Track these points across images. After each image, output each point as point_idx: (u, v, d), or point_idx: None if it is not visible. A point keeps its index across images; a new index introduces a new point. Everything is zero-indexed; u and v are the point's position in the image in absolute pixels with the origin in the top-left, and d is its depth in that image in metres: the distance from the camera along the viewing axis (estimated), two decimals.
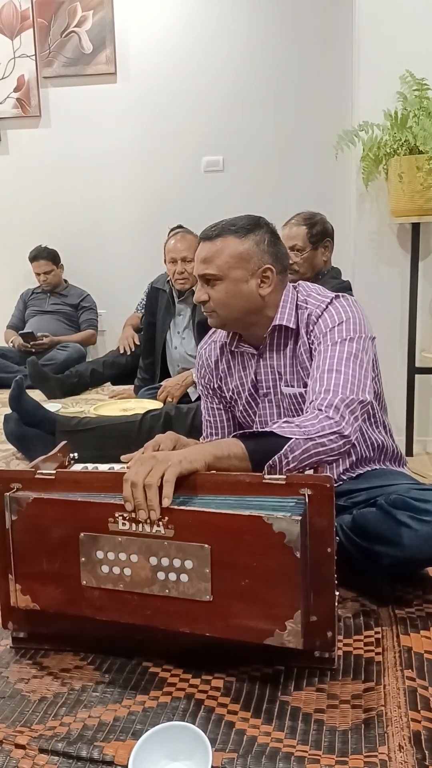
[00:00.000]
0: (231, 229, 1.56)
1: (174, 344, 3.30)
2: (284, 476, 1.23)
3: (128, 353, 3.74)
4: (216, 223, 1.60)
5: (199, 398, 3.00)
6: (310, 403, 1.45)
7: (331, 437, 1.36)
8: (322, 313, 1.56)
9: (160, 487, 1.21)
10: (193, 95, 4.03)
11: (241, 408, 1.74)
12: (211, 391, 1.79)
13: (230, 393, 1.74)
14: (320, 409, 1.39)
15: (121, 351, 3.80)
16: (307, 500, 1.19)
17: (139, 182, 4.21)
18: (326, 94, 3.82)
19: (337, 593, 1.23)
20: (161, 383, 3.16)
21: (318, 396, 1.43)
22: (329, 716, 1.15)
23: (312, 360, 1.55)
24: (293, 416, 1.59)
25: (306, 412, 1.44)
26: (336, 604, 1.23)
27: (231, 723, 1.14)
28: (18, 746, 1.10)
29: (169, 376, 3.26)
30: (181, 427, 2.49)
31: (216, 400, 1.79)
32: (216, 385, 1.77)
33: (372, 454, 1.69)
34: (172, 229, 3.77)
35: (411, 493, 1.45)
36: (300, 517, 1.14)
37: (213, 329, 1.76)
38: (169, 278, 3.26)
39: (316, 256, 2.72)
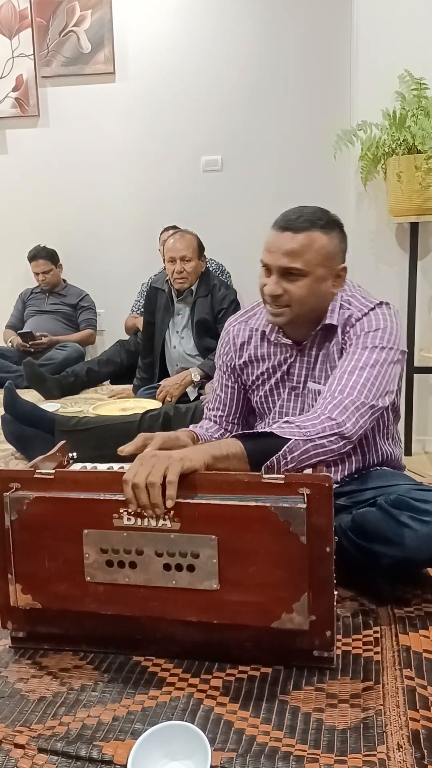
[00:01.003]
0: (318, 223, 1.50)
1: (173, 343, 3.30)
2: (283, 476, 1.24)
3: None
4: (296, 213, 1.51)
5: (197, 398, 3.01)
6: (322, 400, 1.44)
7: (331, 438, 1.36)
8: (362, 317, 1.53)
9: (163, 486, 1.21)
10: (192, 95, 4.03)
11: (261, 395, 1.71)
12: (228, 369, 1.76)
13: (253, 378, 1.71)
14: (326, 408, 1.40)
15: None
16: (305, 499, 1.19)
17: (138, 182, 4.21)
18: (325, 94, 3.82)
19: (335, 592, 1.24)
20: (160, 383, 3.17)
21: (331, 395, 1.43)
22: (328, 715, 1.15)
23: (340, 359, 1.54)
24: None
25: (313, 409, 1.43)
26: (335, 603, 1.23)
27: (230, 722, 1.14)
28: (17, 746, 1.10)
29: (168, 376, 3.26)
30: (180, 426, 2.48)
31: (232, 378, 1.76)
32: (236, 365, 1.73)
33: (376, 461, 1.69)
34: (165, 229, 3.78)
35: (411, 493, 1.45)
36: (305, 505, 1.17)
37: (251, 307, 1.72)
38: (168, 278, 3.26)
39: None
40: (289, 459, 1.33)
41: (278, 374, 1.66)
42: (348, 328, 1.54)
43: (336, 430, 1.37)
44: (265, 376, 1.69)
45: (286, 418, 1.44)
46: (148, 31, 4.01)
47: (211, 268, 3.86)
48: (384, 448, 1.68)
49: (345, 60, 3.42)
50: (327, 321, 1.56)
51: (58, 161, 4.25)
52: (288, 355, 1.65)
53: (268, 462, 1.32)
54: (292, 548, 1.18)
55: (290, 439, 1.33)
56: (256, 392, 1.73)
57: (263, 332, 1.68)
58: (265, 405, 1.72)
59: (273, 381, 1.68)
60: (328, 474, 1.23)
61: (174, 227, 3.72)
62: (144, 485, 1.20)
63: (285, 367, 1.65)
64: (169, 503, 1.20)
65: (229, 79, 3.98)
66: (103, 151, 4.20)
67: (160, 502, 1.20)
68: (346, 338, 1.54)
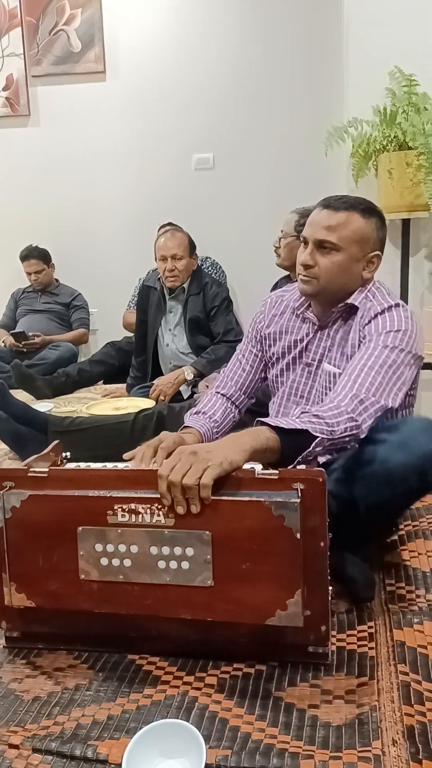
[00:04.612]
0: (359, 207, 1.59)
1: (166, 341, 3.29)
2: (277, 471, 1.24)
3: None
4: (340, 197, 1.62)
5: (191, 396, 3.01)
6: (342, 390, 1.44)
7: (347, 439, 1.37)
8: (383, 312, 1.55)
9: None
10: (183, 93, 4.02)
11: (278, 369, 1.76)
12: (257, 336, 1.82)
13: (274, 349, 1.77)
14: (350, 404, 1.39)
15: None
16: (299, 494, 1.19)
17: (130, 180, 4.20)
18: (316, 91, 3.82)
19: (330, 588, 1.24)
20: (153, 381, 3.16)
21: (348, 389, 1.43)
22: (323, 711, 1.15)
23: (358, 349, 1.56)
24: (324, 392, 1.63)
25: (332, 399, 1.42)
26: (329, 598, 1.23)
27: (225, 720, 1.14)
28: (11, 746, 1.10)
29: (161, 374, 3.26)
30: (174, 426, 2.46)
31: (258, 347, 1.82)
32: (263, 333, 1.79)
33: None
34: (162, 226, 3.77)
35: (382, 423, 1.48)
36: (299, 500, 1.16)
37: (293, 286, 1.78)
38: (159, 276, 3.26)
39: (298, 246, 2.73)
40: (310, 454, 1.33)
41: (296, 350, 1.72)
42: (368, 321, 1.57)
43: (355, 431, 1.37)
44: (285, 350, 1.74)
45: (314, 411, 1.39)
46: (138, 29, 4.00)
47: (207, 266, 3.86)
48: None
49: (336, 57, 3.42)
50: (350, 301, 1.60)
51: (49, 161, 4.23)
52: (309, 330, 1.70)
53: (300, 457, 1.30)
54: (285, 544, 1.18)
55: (318, 437, 1.32)
56: (273, 367, 1.78)
57: (293, 307, 1.75)
58: (279, 380, 1.77)
59: (291, 356, 1.73)
60: (321, 469, 1.23)
61: (170, 224, 3.72)
62: (180, 484, 1.19)
63: (304, 344, 1.71)
64: (201, 506, 1.20)
65: (220, 77, 3.97)
66: (94, 150, 4.18)
67: (197, 501, 1.20)
68: (365, 332, 1.56)
